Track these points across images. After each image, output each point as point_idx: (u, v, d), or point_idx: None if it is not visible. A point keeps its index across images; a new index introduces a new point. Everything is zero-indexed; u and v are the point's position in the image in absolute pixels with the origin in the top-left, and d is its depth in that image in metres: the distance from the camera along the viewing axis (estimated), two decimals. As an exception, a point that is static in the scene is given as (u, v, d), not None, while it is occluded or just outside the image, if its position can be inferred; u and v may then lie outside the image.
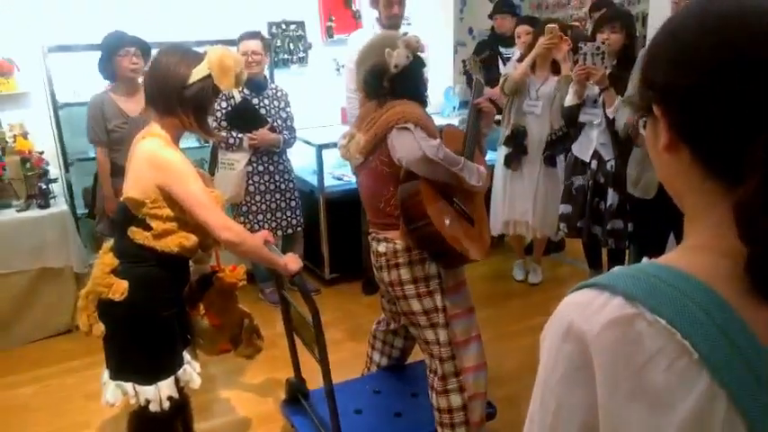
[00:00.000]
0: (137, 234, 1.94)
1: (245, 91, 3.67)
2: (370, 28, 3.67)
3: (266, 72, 3.87)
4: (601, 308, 0.61)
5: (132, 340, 1.97)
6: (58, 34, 3.63)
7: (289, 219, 3.86)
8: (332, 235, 4.07)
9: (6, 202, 3.52)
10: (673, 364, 0.57)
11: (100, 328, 1.97)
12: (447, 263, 2.23)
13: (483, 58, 2.64)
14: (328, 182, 4.10)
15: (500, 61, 4.63)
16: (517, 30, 4.08)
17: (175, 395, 2.03)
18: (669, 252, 0.67)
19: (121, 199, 1.97)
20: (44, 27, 3.65)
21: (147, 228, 1.93)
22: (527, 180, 3.86)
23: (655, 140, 0.67)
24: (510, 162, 3.87)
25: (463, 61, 2.62)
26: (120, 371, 2.01)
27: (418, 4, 4.74)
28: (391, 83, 2.18)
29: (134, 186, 1.93)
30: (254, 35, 3.68)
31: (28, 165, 3.55)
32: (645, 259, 0.67)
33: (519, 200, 3.92)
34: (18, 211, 3.49)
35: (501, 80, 3.82)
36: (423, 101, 2.27)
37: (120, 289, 1.92)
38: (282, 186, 3.80)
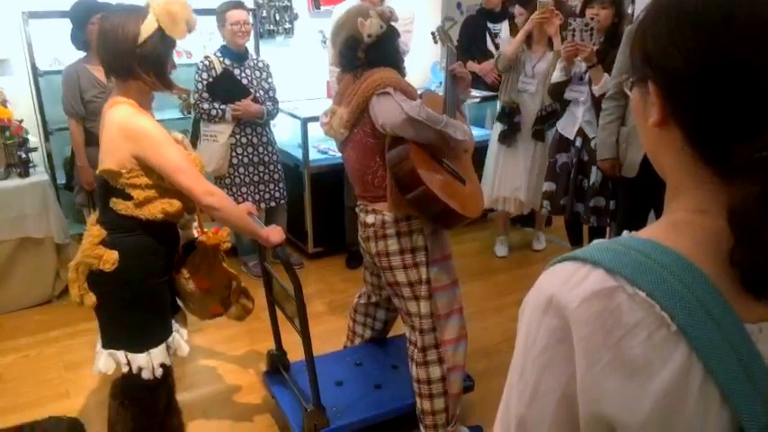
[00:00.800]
0: (118, 204, 1.91)
1: (227, 61, 3.62)
2: (355, 0, 3.62)
3: (250, 43, 3.81)
4: (581, 280, 0.61)
5: (124, 309, 1.97)
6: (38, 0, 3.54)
7: (272, 191, 3.84)
8: (316, 209, 4.05)
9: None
10: (651, 336, 0.57)
11: (91, 298, 1.95)
12: (445, 223, 2.23)
13: (450, 28, 2.66)
14: (313, 155, 4.07)
15: (488, 36, 4.60)
16: (515, 10, 4.06)
17: (167, 362, 2.05)
18: (650, 225, 0.68)
19: (97, 171, 1.94)
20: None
21: (128, 197, 1.90)
22: (521, 157, 3.88)
23: (644, 111, 0.67)
24: (504, 139, 3.88)
25: (432, 33, 2.62)
26: (112, 340, 2.00)
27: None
28: (366, 53, 2.19)
29: (109, 157, 1.89)
30: (240, 4, 3.62)
31: (7, 133, 3.48)
32: (625, 233, 0.67)
33: (510, 176, 3.94)
34: (-2, 179, 3.44)
35: (494, 57, 3.82)
36: (399, 68, 2.27)
37: (110, 259, 1.90)
38: (266, 159, 3.78)
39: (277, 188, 3.86)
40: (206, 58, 3.64)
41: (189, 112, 3.90)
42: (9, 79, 3.68)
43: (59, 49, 3.64)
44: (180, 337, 2.13)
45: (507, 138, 3.87)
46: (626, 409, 0.58)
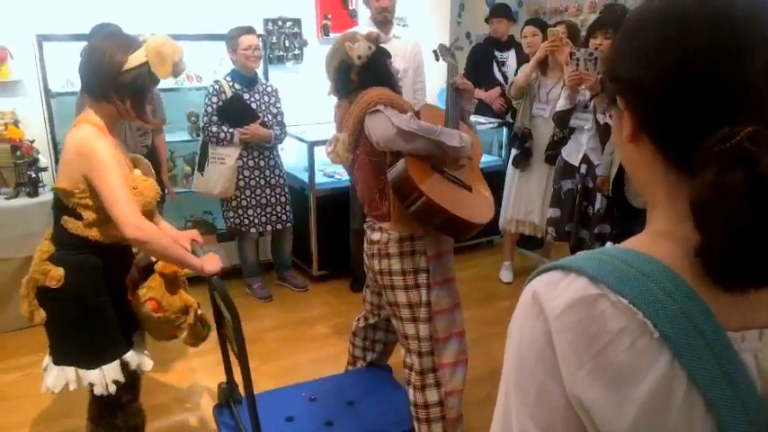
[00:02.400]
0: (69, 223, 1.93)
1: (237, 86, 3.68)
2: (364, 27, 3.69)
3: (259, 69, 3.87)
4: (566, 287, 0.62)
5: (72, 326, 1.99)
6: (52, 23, 3.62)
7: (278, 214, 3.86)
8: (321, 232, 4.07)
9: (-2, 190, 3.50)
10: (635, 343, 0.58)
11: (40, 314, 1.97)
12: (453, 232, 2.22)
13: (450, 46, 2.74)
14: (319, 179, 4.11)
15: (495, 65, 4.66)
16: (523, 30, 4.15)
17: (121, 378, 2.04)
18: (633, 237, 0.68)
19: (51, 187, 1.95)
20: (39, 15, 3.64)
21: (79, 217, 1.92)
22: (535, 181, 3.94)
23: (620, 131, 0.69)
24: (517, 163, 3.96)
25: (434, 51, 2.69)
26: (62, 356, 2.02)
27: (415, 7, 4.76)
28: (358, 75, 2.24)
29: (64, 176, 1.91)
30: (251, 30, 3.70)
31: (18, 153, 3.54)
32: (609, 244, 0.68)
33: (524, 200, 4.03)
34: (6, 198, 3.48)
35: (505, 85, 3.91)
36: (392, 87, 2.31)
37: (56, 276, 1.92)
38: (272, 182, 3.81)
39: (283, 211, 3.88)
40: (216, 82, 3.70)
41: (198, 135, 3.95)
42: (22, 100, 3.74)
43: (72, 72, 3.71)
44: (140, 352, 2.13)
45: (520, 162, 3.95)
46: (611, 417, 0.58)
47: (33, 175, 3.53)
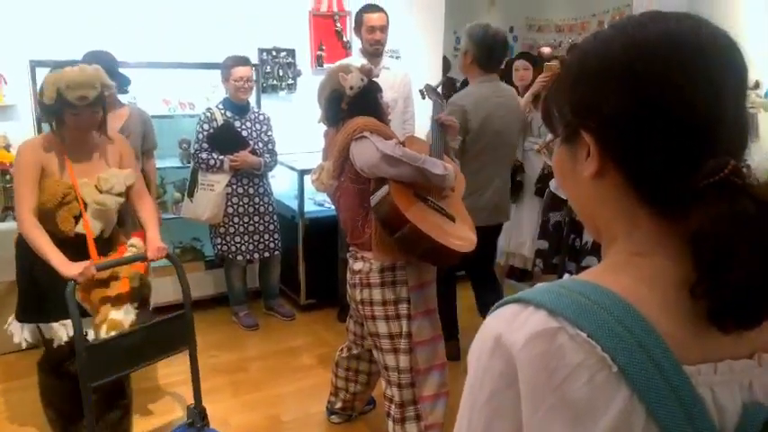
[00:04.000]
0: None
1: (228, 114, 3.70)
2: (356, 58, 3.73)
3: (252, 97, 3.91)
4: (525, 321, 0.61)
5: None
6: (45, 49, 3.65)
7: (266, 242, 3.85)
8: (309, 260, 4.05)
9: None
10: (593, 377, 0.57)
11: None
12: (436, 260, 2.23)
13: (437, 85, 2.82)
14: (308, 207, 4.11)
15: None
16: (515, 64, 4.19)
17: (30, 339, 2.51)
18: (590, 269, 0.68)
19: None
20: (32, 41, 3.67)
21: None
22: (526, 213, 3.98)
23: (573, 167, 0.68)
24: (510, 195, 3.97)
25: (420, 90, 2.76)
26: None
27: (408, 40, 4.82)
28: (349, 105, 2.27)
29: None
30: (246, 61, 3.74)
31: (7, 176, 3.54)
32: (566, 276, 0.67)
33: (516, 232, 4.07)
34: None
35: None
36: (381, 118, 2.33)
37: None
38: (261, 209, 3.81)
39: (271, 239, 3.87)
40: (208, 109, 3.72)
41: (188, 162, 3.96)
42: (14, 124, 3.75)
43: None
44: (61, 327, 2.44)
45: (511, 195, 3.95)
46: None
47: (22, 199, 3.52)
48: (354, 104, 2.29)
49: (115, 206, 2.50)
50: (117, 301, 2.39)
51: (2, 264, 3.35)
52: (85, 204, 2.41)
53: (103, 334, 2.30)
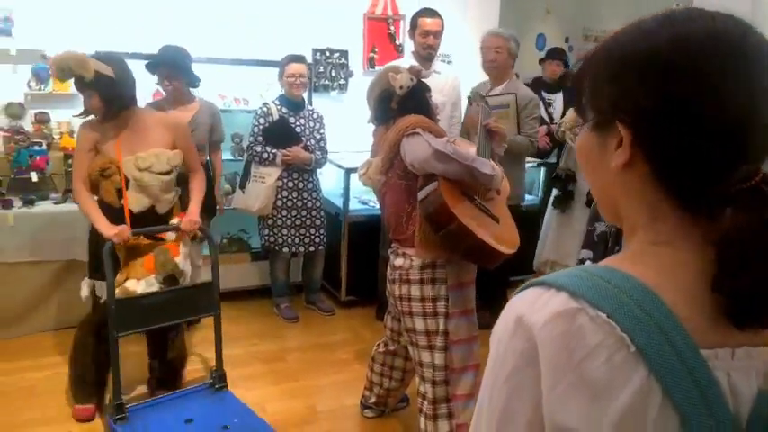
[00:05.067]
0: None
1: (284, 109, 3.81)
2: (408, 60, 3.78)
3: (305, 95, 4.01)
4: (546, 302, 0.63)
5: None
6: (111, 41, 3.82)
7: (312, 236, 3.93)
8: (351, 257, 4.11)
9: (46, 194, 3.69)
10: (611, 357, 0.59)
11: None
12: (478, 259, 2.25)
13: (486, 93, 2.84)
14: (353, 205, 4.17)
15: (542, 105, 4.70)
16: (546, 61, 4.22)
17: (85, 293, 2.77)
18: (611, 257, 0.70)
19: None
20: (99, 34, 3.84)
21: None
22: (574, 223, 3.93)
23: (601, 154, 0.69)
24: (557, 204, 3.95)
25: (468, 97, 2.78)
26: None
27: (461, 45, 4.85)
28: (398, 105, 2.31)
29: None
30: (301, 59, 3.85)
31: (69, 161, 3.73)
32: (588, 263, 0.70)
33: (563, 242, 4.03)
34: (55, 203, 3.65)
35: (556, 126, 3.97)
36: (430, 118, 2.37)
37: None
38: (309, 204, 3.89)
39: (317, 234, 3.95)
40: (265, 104, 3.84)
41: (240, 156, 4.09)
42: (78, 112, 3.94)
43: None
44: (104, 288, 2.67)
45: (561, 203, 3.95)
46: (588, 430, 0.59)
47: (82, 183, 3.70)
48: (404, 104, 2.34)
49: (156, 183, 2.72)
50: (140, 271, 2.67)
51: (61, 243, 3.56)
52: (128, 180, 2.67)
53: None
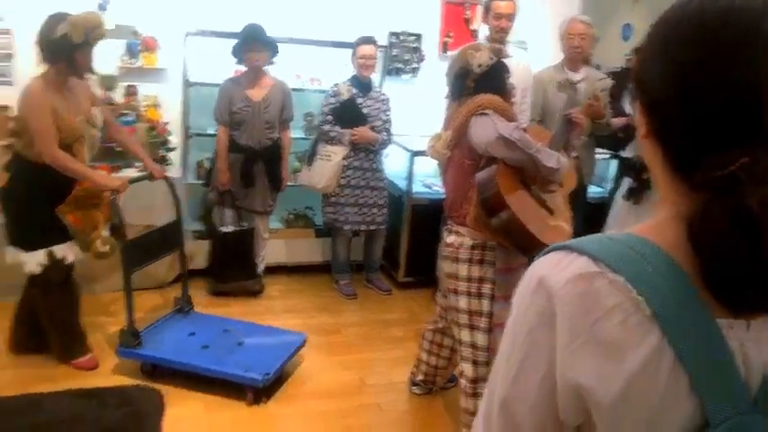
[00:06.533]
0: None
1: (354, 90, 3.89)
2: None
3: (373, 76, 4.07)
4: (568, 265, 0.66)
5: (14, 219, 2.85)
6: (199, 19, 4.03)
7: (374, 216, 4.02)
8: (412, 239, 4.16)
9: (130, 162, 3.94)
10: (627, 319, 0.61)
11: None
12: (527, 250, 2.23)
13: (577, 81, 2.75)
14: (417, 188, 4.21)
15: (627, 96, 4.55)
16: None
17: (44, 262, 2.81)
18: (637, 225, 0.71)
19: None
20: (189, 12, 4.05)
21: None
22: (646, 215, 3.77)
23: (639, 129, 0.72)
24: (630, 194, 3.81)
25: (558, 83, 2.72)
26: (11, 240, 2.87)
27: (538, 32, 4.75)
28: (475, 82, 2.29)
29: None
30: (370, 40, 3.91)
31: (154, 132, 3.97)
32: (612, 231, 0.71)
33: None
34: (138, 171, 3.89)
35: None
36: (505, 98, 2.35)
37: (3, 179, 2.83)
38: (372, 184, 3.97)
39: (379, 213, 4.03)
40: (335, 84, 3.95)
41: (310, 134, 4.22)
42: (164, 86, 4.17)
43: (210, 65, 4.10)
44: (66, 249, 2.87)
45: (634, 194, 3.79)
46: (599, 387, 0.61)
47: (163, 154, 3.93)
48: (481, 82, 2.32)
49: (98, 139, 2.97)
50: (104, 221, 2.97)
51: (141, 209, 3.79)
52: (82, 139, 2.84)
53: (101, 247, 2.88)
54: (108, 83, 3.98)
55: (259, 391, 2.82)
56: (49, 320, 2.98)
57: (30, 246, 2.83)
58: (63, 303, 2.98)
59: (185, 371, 2.88)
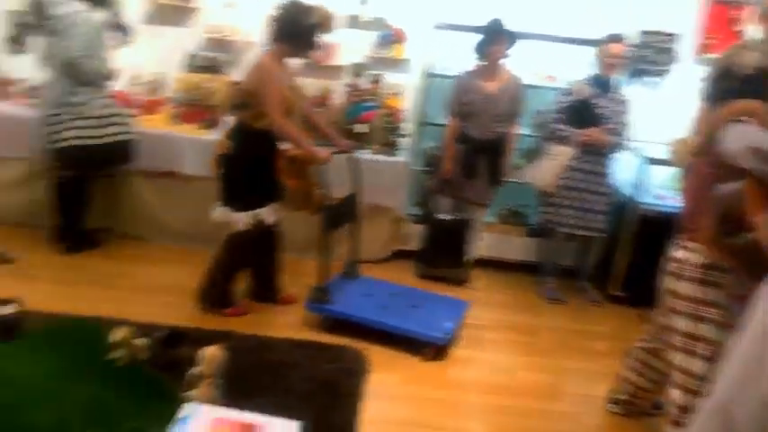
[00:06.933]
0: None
1: (592, 89, 3.75)
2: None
3: (618, 77, 3.87)
4: None
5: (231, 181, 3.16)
6: (446, 12, 4.20)
7: (593, 221, 3.84)
8: (632, 252, 3.89)
9: (362, 144, 4.26)
10: None
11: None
12: (760, 277, 2.00)
13: None
14: (647, 198, 3.91)
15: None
16: None
17: (251, 222, 3.11)
18: None
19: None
20: (437, 5, 4.24)
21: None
22: None
23: None
24: None
25: None
26: (224, 201, 3.17)
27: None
28: (738, 87, 2.07)
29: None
30: (619, 38, 3.74)
31: (389, 118, 4.25)
32: None
33: None
34: (372, 153, 4.21)
35: None
36: None
37: (224, 145, 3.15)
38: (595, 188, 3.80)
39: (600, 219, 3.84)
40: (571, 83, 3.84)
41: (537, 132, 4.15)
42: (407, 76, 4.45)
43: (452, 58, 4.25)
44: (270, 211, 3.17)
45: None
46: None
47: (395, 139, 4.20)
48: (747, 85, 2.09)
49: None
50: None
51: (364, 188, 4.04)
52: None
53: (322, 201, 3.15)
54: (357, 70, 4.36)
55: (439, 350, 3.01)
56: (223, 271, 3.25)
57: (241, 207, 3.12)
58: (244, 261, 3.30)
59: (366, 327, 3.11)
